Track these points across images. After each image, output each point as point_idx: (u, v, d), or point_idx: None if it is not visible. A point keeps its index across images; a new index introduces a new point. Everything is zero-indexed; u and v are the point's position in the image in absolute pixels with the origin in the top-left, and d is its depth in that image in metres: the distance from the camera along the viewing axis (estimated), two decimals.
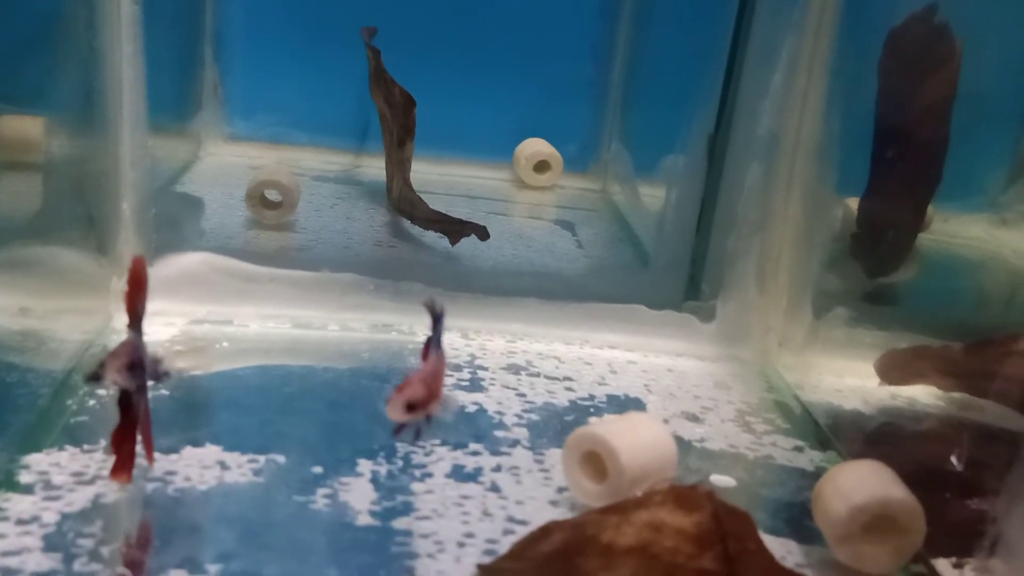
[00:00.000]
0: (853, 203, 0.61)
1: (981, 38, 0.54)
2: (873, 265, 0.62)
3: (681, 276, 0.67)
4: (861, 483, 0.41)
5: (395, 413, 0.40)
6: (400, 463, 0.47)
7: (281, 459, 0.46)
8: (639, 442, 0.43)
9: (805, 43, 0.59)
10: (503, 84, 0.96)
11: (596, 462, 0.43)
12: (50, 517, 0.39)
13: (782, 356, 0.62)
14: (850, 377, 0.58)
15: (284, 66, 0.94)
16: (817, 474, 0.49)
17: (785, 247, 0.62)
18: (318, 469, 0.45)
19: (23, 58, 0.56)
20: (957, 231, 0.62)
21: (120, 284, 0.58)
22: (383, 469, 0.46)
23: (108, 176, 0.58)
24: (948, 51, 0.56)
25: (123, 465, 0.40)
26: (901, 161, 0.59)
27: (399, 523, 0.42)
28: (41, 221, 0.59)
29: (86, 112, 0.57)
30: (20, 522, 0.39)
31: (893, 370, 0.55)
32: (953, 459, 0.48)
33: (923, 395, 0.55)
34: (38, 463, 0.43)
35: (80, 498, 0.41)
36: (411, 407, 0.40)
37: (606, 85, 0.98)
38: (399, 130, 0.81)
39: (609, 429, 0.43)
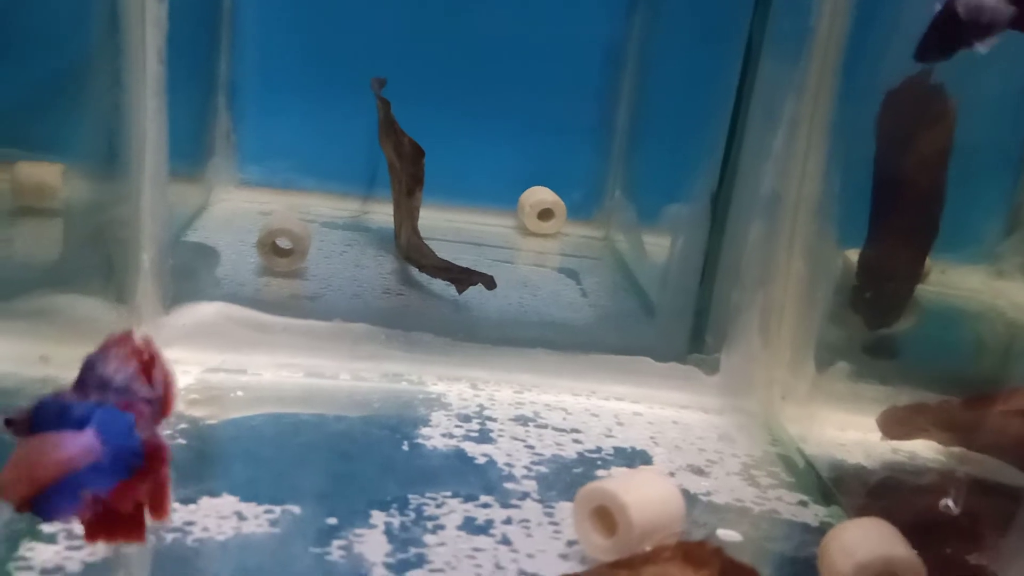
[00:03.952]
0: (853, 255, 0.63)
1: (976, 96, 0.56)
2: (873, 317, 0.64)
3: (685, 328, 0.68)
4: (865, 540, 0.42)
5: None
6: (412, 515, 0.48)
7: (296, 510, 0.47)
8: (648, 497, 0.44)
9: (805, 105, 0.61)
10: (509, 133, 0.98)
11: (606, 516, 0.45)
12: (73, 567, 0.40)
13: (785, 409, 0.63)
14: (852, 430, 0.59)
15: (295, 113, 0.97)
16: (821, 529, 0.50)
17: (788, 301, 0.63)
18: (332, 520, 0.46)
19: (47, 107, 0.58)
20: (955, 282, 0.64)
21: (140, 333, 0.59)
22: (396, 521, 0.47)
23: (128, 227, 0.60)
24: (943, 109, 0.58)
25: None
26: (899, 214, 0.61)
27: None
28: (62, 270, 0.60)
29: (109, 164, 0.59)
30: (44, 572, 0.40)
31: (894, 425, 0.56)
32: (948, 502, 0.49)
33: (923, 449, 0.56)
34: None
35: (102, 548, 0.41)
36: None
37: (610, 135, 1.00)
38: (408, 179, 0.83)
39: (619, 484, 0.45)
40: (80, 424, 0.36)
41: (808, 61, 0.61)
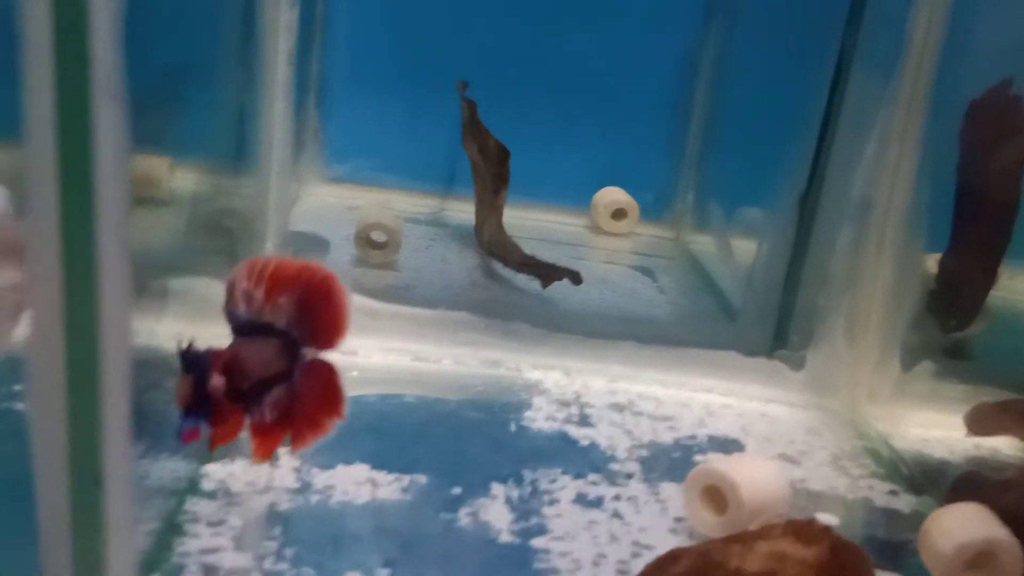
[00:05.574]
0: (932, 260, 0.65)
1: None
2: (947, 320, 0.66)
3: (768, 327, 0.71)
4: (965, 523, 0.45)
5: None
6: (529, 488, 0.51)
7: (423, 479, 0.50)
8: (757, 479, 0.47)
9: (898, 116, 0.64)
10: (584, 134, 1.01)
11: (716, 495, 0.48)
12: (235, 521, 0.44)
13: (870, 408, 0.65)
14: (936, 428, 0.62)
15: (379, 112, 1.00)
16: (913, 516, 0.53)
17: (875, 304, 0.66)
18: (457, 490, 0.50)
19: (184, 108, 0.62)
20: None
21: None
22: (514, 493, 0.50)
23: (256, 218, 0.64)
24: (1021, 120, 0.61)
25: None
26: (975, 222, 0.63)
27: (537, 542, 0.46)
28: (193, 256, 0.65)
29: (240, 160, 0.63)
30: (211, 523, 0.44)
31: (979, 421, 0.59)
32: None
33: (1005, 446, 0.58)
34: (215, 472, 0.48)
35: (258, 505, 0.46)
36: None
37: (684, 138, 1.02)
38: (493, 179, 0.86)
39: (730, 466, 0.48)
40: (187, 370, 0.43)
41: (901, 75, 0.63)
